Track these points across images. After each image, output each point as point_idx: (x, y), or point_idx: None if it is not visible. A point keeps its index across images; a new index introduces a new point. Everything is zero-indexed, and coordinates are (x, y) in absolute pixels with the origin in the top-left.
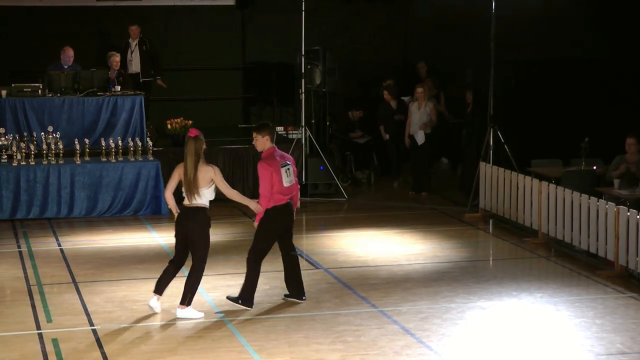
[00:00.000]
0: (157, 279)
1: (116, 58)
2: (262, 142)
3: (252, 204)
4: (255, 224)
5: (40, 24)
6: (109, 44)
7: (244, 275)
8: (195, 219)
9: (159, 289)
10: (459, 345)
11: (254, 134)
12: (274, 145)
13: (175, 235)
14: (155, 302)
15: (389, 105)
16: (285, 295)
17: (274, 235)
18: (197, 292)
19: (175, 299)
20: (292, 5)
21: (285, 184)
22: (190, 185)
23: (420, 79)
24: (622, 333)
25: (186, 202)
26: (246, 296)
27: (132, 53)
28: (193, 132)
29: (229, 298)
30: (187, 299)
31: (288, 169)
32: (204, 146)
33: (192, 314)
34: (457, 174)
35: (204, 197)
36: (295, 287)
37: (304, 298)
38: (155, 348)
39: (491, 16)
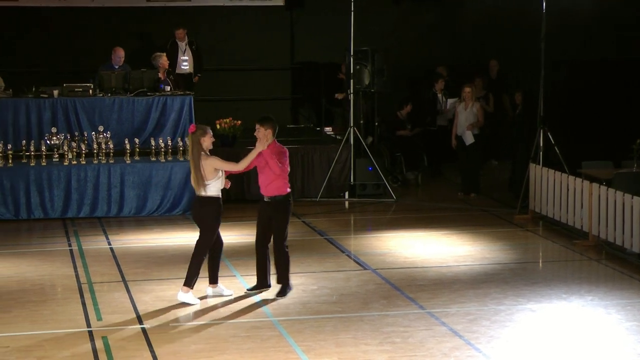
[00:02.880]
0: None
1: (164, 58)
2: (263, 134)
3: (258, 147)
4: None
5: (92, 25)
6: (158, 44)
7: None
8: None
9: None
10: (507, 348)
11: (257, 126)
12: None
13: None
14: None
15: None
16: (251, 289)
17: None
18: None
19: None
20: (341, 6)
21: None
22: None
23: (491, 78)
24: None
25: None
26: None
27: (184, 53)
28: (191, 129)
29: (280, 295)
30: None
31: None
32: (200, 140)
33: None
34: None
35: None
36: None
37: (269, 284)
38: (204, 347)
39: (541, 16)
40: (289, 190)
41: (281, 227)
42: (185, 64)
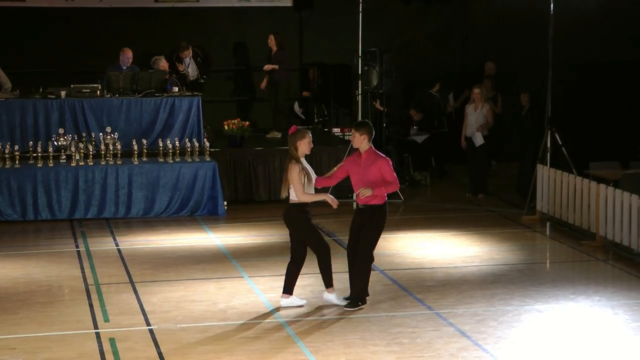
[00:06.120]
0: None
1: (163, 61)
2: (359, 140)
3: (324, 196)
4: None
5: (100, 25)
6: (167, 44)
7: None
8: (289, 215)
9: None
10: (515, 348)
11: (352, 131)
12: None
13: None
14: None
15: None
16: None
17: (382, 231)
18: (254, 292)
19: (236, 297)
20: (349, 7)
21: None
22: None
23: (489, 78)
24: None
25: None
26: (365, 294)
27: (187, 66)
28: (290, 130)
29: (349, 306)
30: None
31: None
32: (296, 143)
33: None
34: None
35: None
36: None
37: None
38: (212, 348)
39: (551, 17)
40: (384, 200)
41: (370, 236)
42: (188, 75)
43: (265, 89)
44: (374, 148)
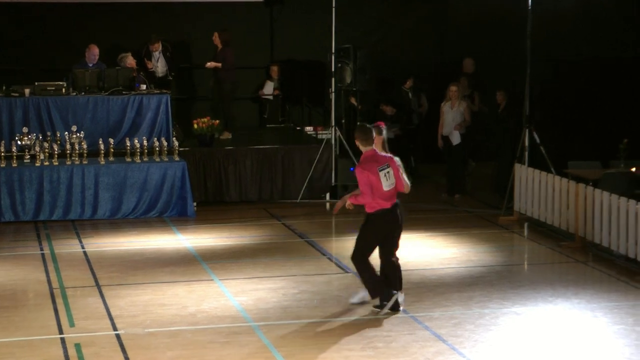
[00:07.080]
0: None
1: (130, 58)
2: (359, 144)
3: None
4: (348, 203)
5: (65, 21)
6: (135, 40)
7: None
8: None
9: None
10: (492, 352)
11: (355, 136)
12: (374, 147)
13: None
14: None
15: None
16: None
17: (375, 239)
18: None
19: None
20: (322, 2)
21: (385, 188)
22: None
23: (468, 76)
24: None
25: None
26: (379, 293)
27: (157, 61)
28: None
29: (377, 307)
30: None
31: (387, 172)
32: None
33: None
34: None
35: None
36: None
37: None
38: (181, 353)
39: (528, 14)
40: (375, 209)
41: (357, 239)
42: (157, 70)
43: (211, 87)
44: (373, 152)
